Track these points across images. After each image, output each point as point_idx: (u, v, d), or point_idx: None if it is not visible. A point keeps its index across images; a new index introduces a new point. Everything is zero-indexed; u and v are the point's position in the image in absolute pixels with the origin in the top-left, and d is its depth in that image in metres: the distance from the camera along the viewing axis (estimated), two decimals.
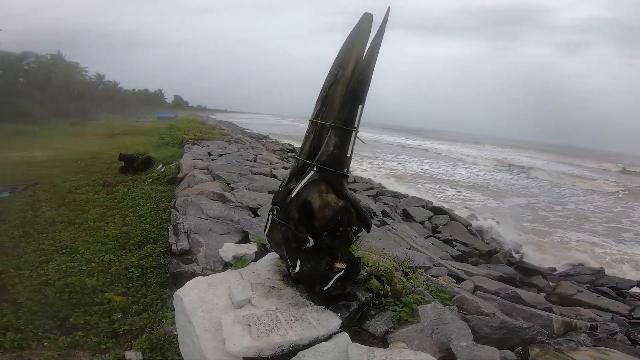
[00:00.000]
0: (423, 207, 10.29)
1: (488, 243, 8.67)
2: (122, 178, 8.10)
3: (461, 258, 6.95)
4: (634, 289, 7.09)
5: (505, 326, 2.43)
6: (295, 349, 1.97)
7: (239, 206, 5.04)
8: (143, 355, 2.55)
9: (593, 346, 2.58)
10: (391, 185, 14.83)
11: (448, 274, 4.56)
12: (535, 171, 26.34)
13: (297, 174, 2.35)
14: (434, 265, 4.88)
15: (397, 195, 11.91)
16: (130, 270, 3.71)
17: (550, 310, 3.95)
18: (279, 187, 2.52)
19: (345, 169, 2.25)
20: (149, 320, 2.94)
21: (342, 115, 2.16)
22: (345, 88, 2.18)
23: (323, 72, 2.37)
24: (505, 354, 2.17)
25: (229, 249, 3.02)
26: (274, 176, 7.93)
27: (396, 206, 10.28)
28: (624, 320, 4.73)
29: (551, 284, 6.52)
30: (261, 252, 3.07)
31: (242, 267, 2.74)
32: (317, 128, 2.30)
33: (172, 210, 4.72)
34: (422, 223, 9.02)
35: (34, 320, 2.85)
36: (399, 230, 7.11)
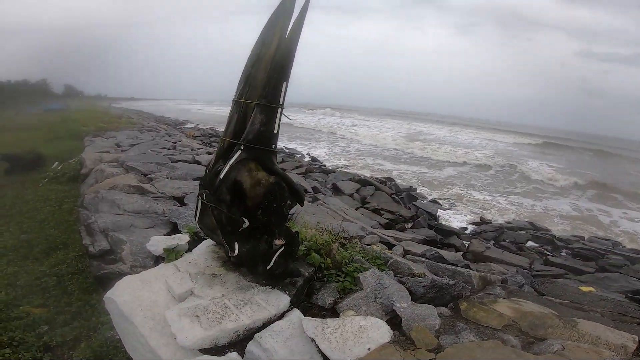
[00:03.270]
0: (350, 180, 10.68)
1: (410, 209, 9.36)
2: (8, 180, 7.04)
3: (389, 225, 7.42)
4: (530, 243, 8.25)
5: (435, 285, 2.58)
6: (250, 332, 1.98)
7: (162, 197, 4.75)
8: None
9: (508, 298, 2.81)
10: (328, 163, 15.36)
11: (380, 242, 4.84)
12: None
13: (224, 155, 2.29)
14: (367, 234, 5.14)
15: (325, 171, 12.19)
16: (43, 280, 3.33)
17: (468, 267, 4.36)
18: (206, 170, 2.44)
19: (274, 146, 2.26)
20: (83, 328, 2.73)
21: (267, 92, 2.16)
22: (269, 66, 2.18)
23: (239, 55, 2.32)
24: (441, 310, 2.34)
25: (158, 242, 2.86)
26: (197, 162, 7.54)
27: (325, 181, 10.54)
28: (527, 272, 5.38)
29: (465, 242, 7.28)
30: (194, 241, 2.95)
31: (176, 259, 2.61)
32: (241, 107, 2.27)
33: (80, 209, 4.25)
34: (351, 195, 9.37)
35: None
36: (331, 204, 7.32)
